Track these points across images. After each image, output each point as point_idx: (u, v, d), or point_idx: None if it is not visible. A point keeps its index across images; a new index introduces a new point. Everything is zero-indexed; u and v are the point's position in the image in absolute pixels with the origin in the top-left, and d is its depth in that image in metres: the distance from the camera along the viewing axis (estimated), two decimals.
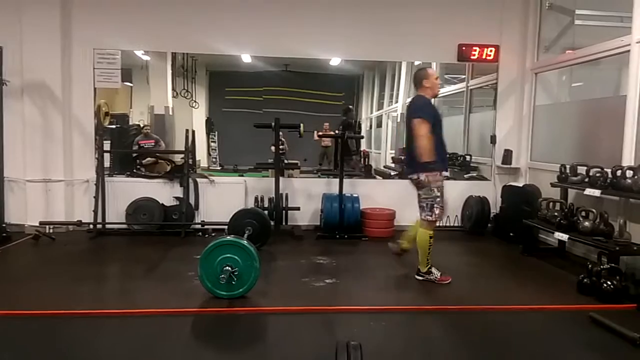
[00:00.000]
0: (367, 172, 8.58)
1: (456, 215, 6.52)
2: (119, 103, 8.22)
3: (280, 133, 6.21)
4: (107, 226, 5.98)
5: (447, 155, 4.41)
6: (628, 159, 4.53)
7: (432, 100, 4.41)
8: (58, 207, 5.97)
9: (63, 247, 5.39)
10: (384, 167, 9.47)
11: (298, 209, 6.19)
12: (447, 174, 4.26)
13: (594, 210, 4.48)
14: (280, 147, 6.36)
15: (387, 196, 6.46)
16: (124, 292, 4.05)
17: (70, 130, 6.06)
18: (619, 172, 4.29)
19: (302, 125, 6.22)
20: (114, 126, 7.50)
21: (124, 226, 5.99)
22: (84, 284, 4.11)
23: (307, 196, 6.40)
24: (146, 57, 7.70)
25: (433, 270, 4.25)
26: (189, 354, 2.91)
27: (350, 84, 10.52)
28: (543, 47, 6.34)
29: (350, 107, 9.44)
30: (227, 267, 3.54)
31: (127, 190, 6.06)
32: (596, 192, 4.41)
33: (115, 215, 6.02)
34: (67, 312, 3.41)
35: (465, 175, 7.12)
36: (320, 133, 8.84)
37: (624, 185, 4.19)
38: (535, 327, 3.41)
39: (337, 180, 6.06)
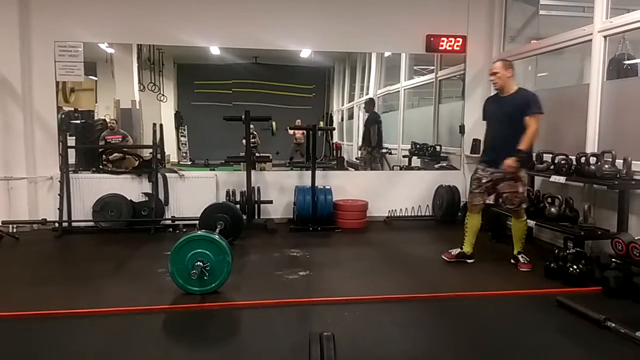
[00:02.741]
0: (340, 164, 8.59)
1: (427, 205, 6.60)
2: (83, 97, 7.97)
3: (252, 126, 6.14)
4: (74, 224, 5.80)
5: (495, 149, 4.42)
6: (591, 146, 4.67)
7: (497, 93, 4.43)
8: (21, 206, 5.77)
9: (27, 246, 5.22)
10: (356, 159, 9.49)
11: (270, 202, 6.15)
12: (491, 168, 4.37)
13: (559, 197, 4.60)
14: (252, 140, 6.29)
15: (360, 188, 6.49)
16: (92, 291, 3.93)
17: (32, 126, 5.85)
18: (583, 159, 4.41)
19: (274, 123, 6.14)
20: (78, 121, 7.28)
21: (91, 224, 5.83)
22: (51, 284, 3.99)
23: (279, 189, 6.37)
24: (110, 50, 7.47)
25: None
26: (161, 352, 2.85)
27: (321, 76, 10.46)
28: (509, 38, 6.44)
29: (371, 99, 9.26)
30: (198, 263, 3.48)
31: (93, 187, 5.89)
32: (561, 179, 4.52)
33: (82, 212, 5.84)
34: (33, 313, 3.30)
35: (435, 165, 7.20)
36: (294, 128, 8.81)
37: (588, 171, 4.31)
38: (504, 312, 3.49)
39: (310, 172, 6.05)
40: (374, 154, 8.00)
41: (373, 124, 8.03)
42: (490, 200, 4.64)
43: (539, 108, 4.17)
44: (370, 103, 8.57)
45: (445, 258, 4.58)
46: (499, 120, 4.39)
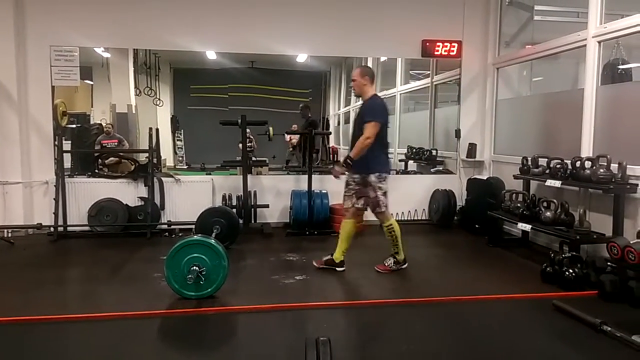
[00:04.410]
0: None
1: (423, 209, 6.61)
2: (78, 102, 7.96)
3: (248, 130, 6.14)
4: (69, 229, 5.78)
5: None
6: (586, 150, 4.69)
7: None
8: (16, 210, 5.76)
9: (22, 251, 5.19)
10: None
11: (267, 206, 6.14)
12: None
13: (555, 201, 4.61)
14: (248, 144, 6.30)
15: None
16: (87, 296, 3.93)
17: (28, 130, 5.84)
18: (578, 163, 4.44)
19: (271, 129, 6.17)
20: (74, 126, 7.27)
21: (87, 228, 5.81)
22: (46, 289, 3.97)
23: (276, 193, 6.36)
24: (106, 54, 7.47)
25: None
26: (157, 357, 2.84)
27: (317, 80, 10.49)
28: (504, 43, 6.48)
29: (306, 105, 9.34)
30: (194, 267, 3.47)
31: (89, 191, 5.88)
32: (557, 183, 4.54)
33: (77, 217, 5.83)
34: (28, 318, 3.28)
35: (431, 170, 7.21)
36: (290, 135, 8.87)
37: (583, 175, 4.33)
38: (501, 316, 3.49)
39: (306, 176, 6.05)
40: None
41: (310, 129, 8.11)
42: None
43: (373, 116, 4.15)
44: (305, 108, 8.65)
45: (315, 264, 4.47)
46: (355, 125, 4.43)
